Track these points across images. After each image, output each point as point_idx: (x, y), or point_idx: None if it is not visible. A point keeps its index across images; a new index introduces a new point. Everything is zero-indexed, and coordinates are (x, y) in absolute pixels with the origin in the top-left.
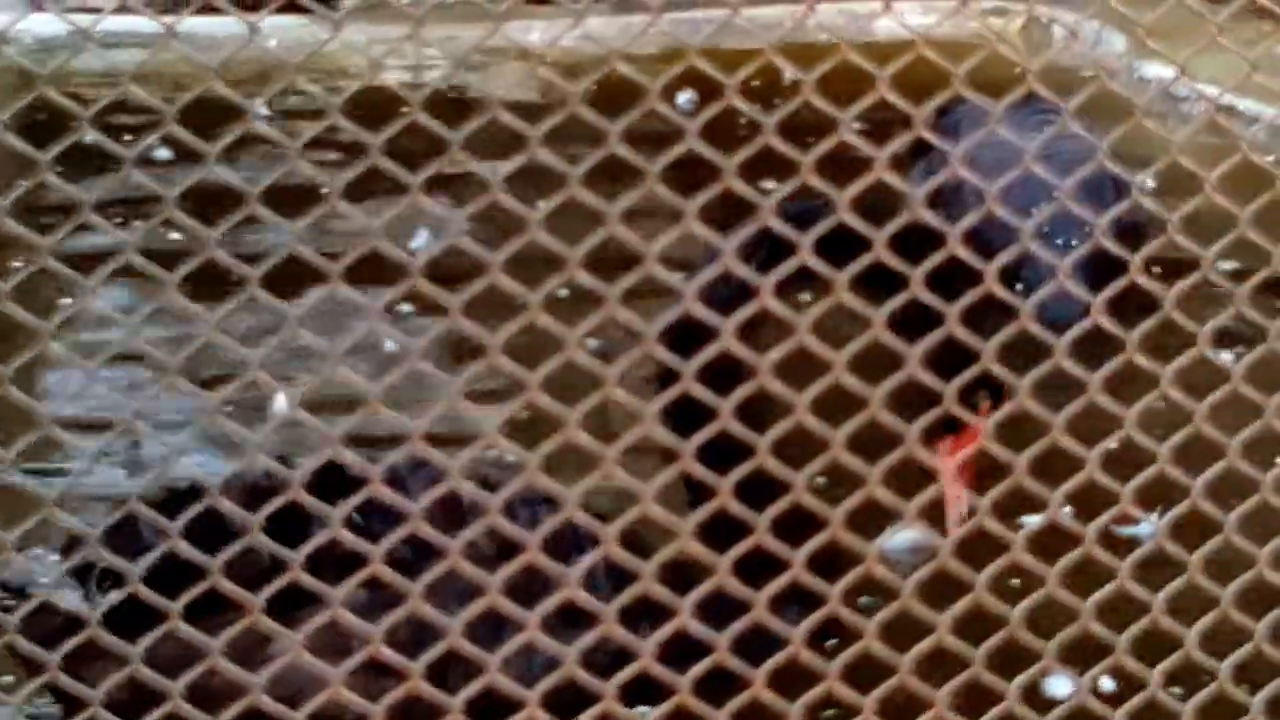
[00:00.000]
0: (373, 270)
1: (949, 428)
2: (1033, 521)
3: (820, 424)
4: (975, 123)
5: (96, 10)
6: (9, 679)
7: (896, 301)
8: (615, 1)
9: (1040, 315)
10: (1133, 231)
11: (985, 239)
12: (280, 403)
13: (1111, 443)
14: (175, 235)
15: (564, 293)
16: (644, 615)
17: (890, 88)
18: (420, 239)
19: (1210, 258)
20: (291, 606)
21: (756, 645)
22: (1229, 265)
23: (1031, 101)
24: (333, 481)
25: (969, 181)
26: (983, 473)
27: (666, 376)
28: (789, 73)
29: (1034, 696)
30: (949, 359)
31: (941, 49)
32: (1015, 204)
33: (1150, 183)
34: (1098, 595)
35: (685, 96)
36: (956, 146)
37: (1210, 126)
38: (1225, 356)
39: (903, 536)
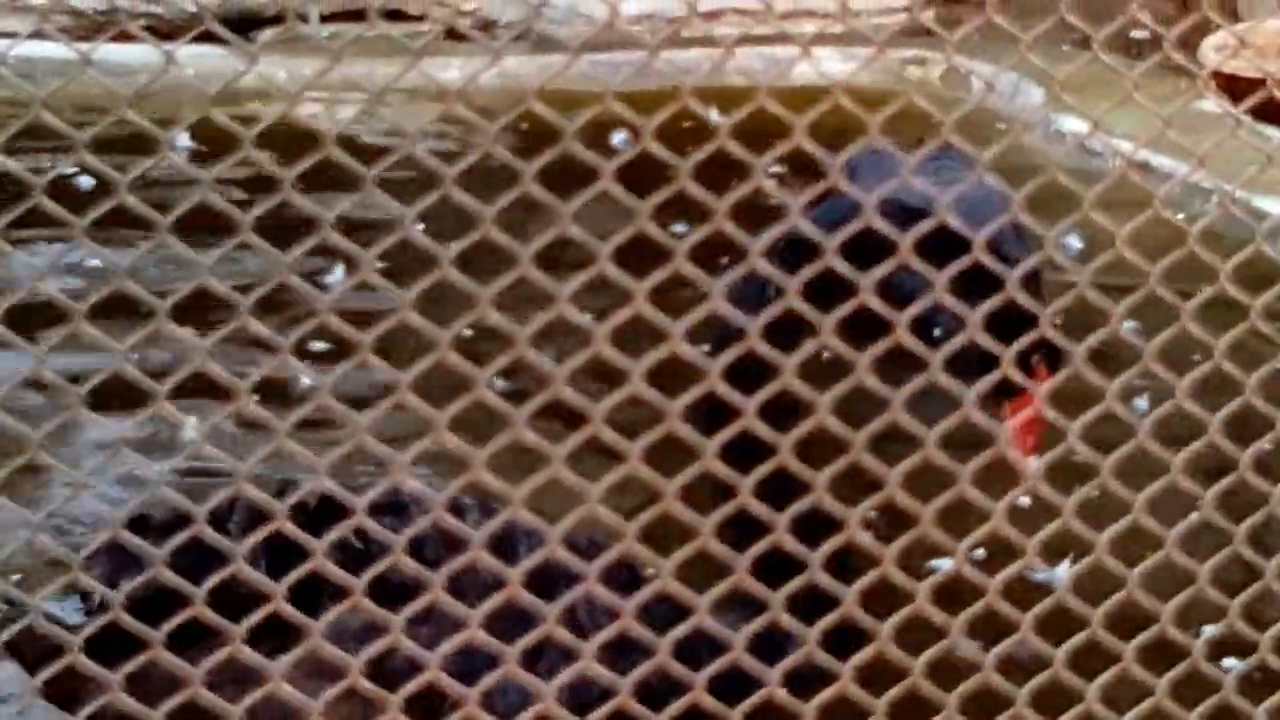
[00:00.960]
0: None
1: (1006, 393)
2: (943, 566)
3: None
4: (878, 170)
5: (11, 35)
6: None
7: (809, 348)
8: (534, 41)
9: (954, 366)
10: (1035, 284)
11: (898, 288)
12: (189, 432)
13: (1022, 495)
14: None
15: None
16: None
17: (806, 135)
18: (337, 274)
19: (1120, 313)
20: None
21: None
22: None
23: (947, 154)
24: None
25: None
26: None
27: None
28: (706, 115)
29: None
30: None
31: (861, 96)
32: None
33: (1077, 242)
34: (999, 648)
35: (620, 137)
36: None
37: (1124, 182)
38: (1139, 405)
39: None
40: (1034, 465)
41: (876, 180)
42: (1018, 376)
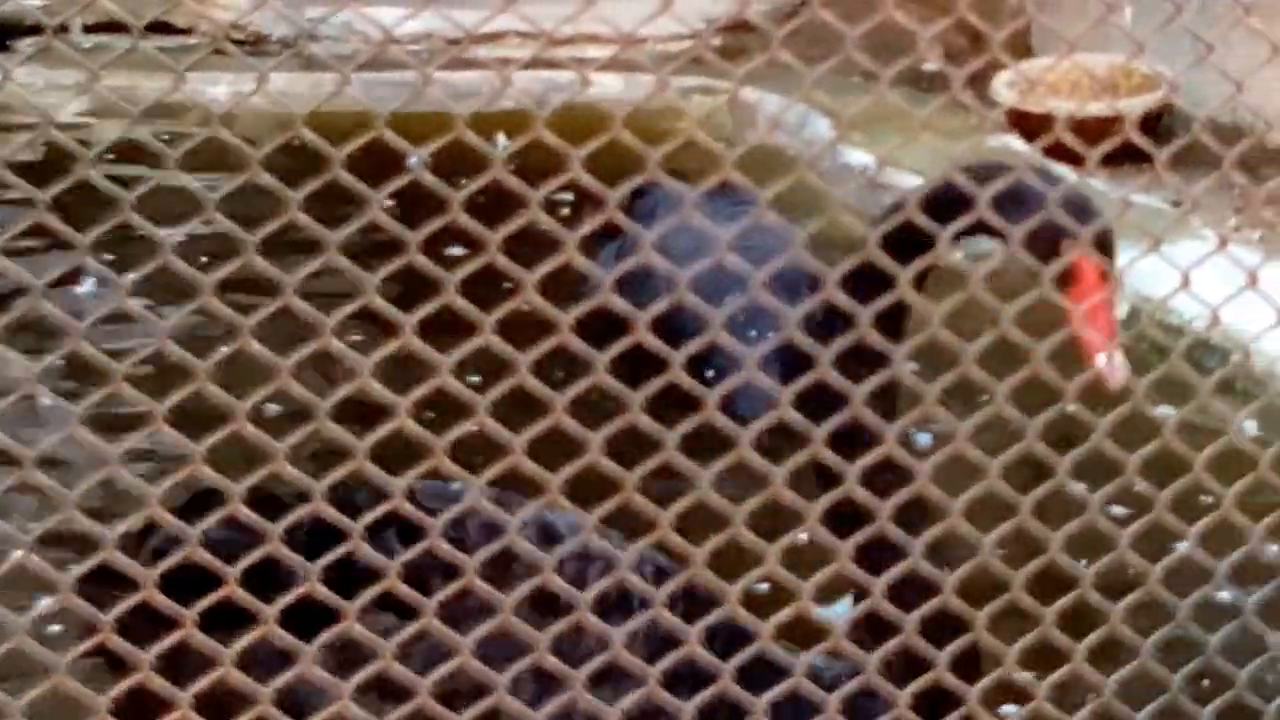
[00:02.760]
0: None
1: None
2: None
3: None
4: (672, 208)
5: None
6: None
7: (581, 385)
8: (306, 59)
9: (727, 407)
10: (827, 324)
11: (676, 326)
12: None
13: (801, 535)
14: None
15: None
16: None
17: (584, 165)
18: (87, 285)
19: (902, 355)
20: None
21: None
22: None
23: (729, 190)
24: None
25: (661, 268)
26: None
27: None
28: (480, 143)
29: None
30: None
31: (645, 124)
32: (708, 292)
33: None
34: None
35: (414, 158)
36: (651, 230)
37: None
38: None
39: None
40: (1114, 358)
41: (669, 219)
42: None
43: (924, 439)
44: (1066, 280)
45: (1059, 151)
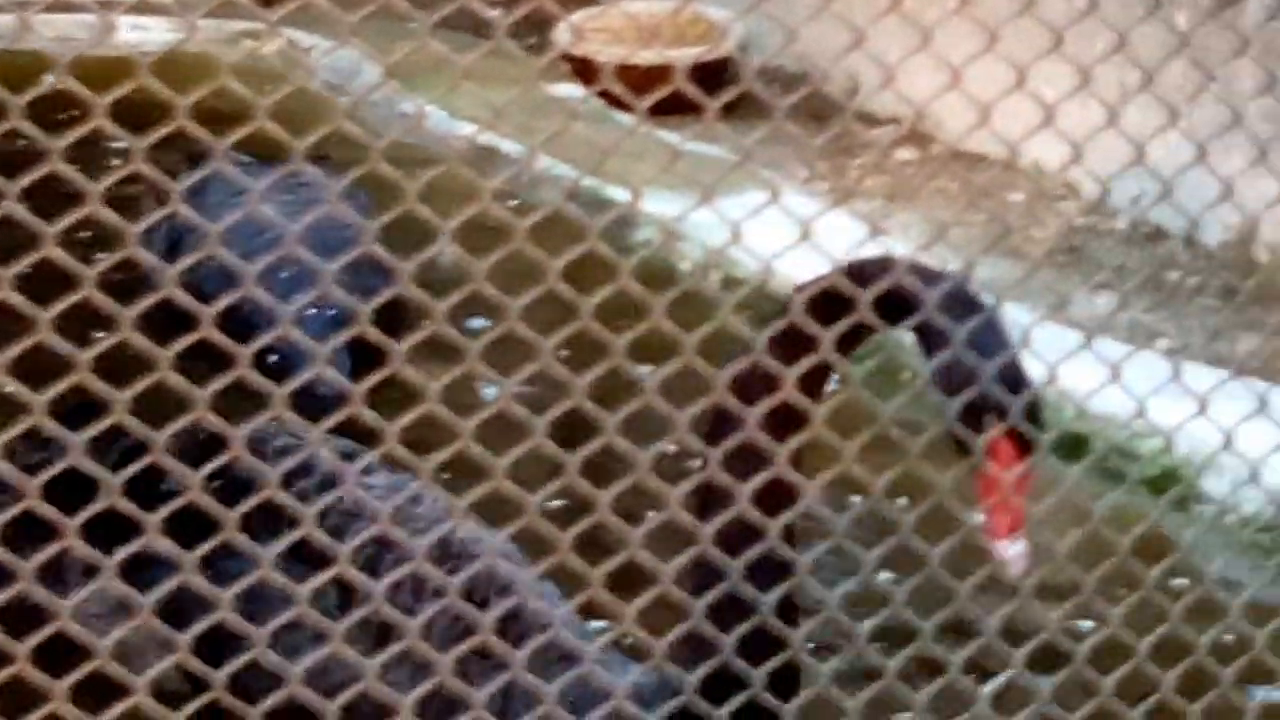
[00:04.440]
0: None
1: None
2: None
3: None
4: (226, 186)
5: None
6: None
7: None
8: None
9: (298, 400)
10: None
11: (240, 315)
12: None
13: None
14: None
15: None
16: None
17: (109, 113)
18: None
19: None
20: None
21: None
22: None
23: (301, 169)
24: None
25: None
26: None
27: None
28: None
29: None
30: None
31: (193, 67)
32: (267, 276)
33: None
34: None
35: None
36: (203, 206)
37: (473, 166)
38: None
39: None
40: (1016, 548)
41: (226, 197)
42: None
43: None
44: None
45: (613, 99)
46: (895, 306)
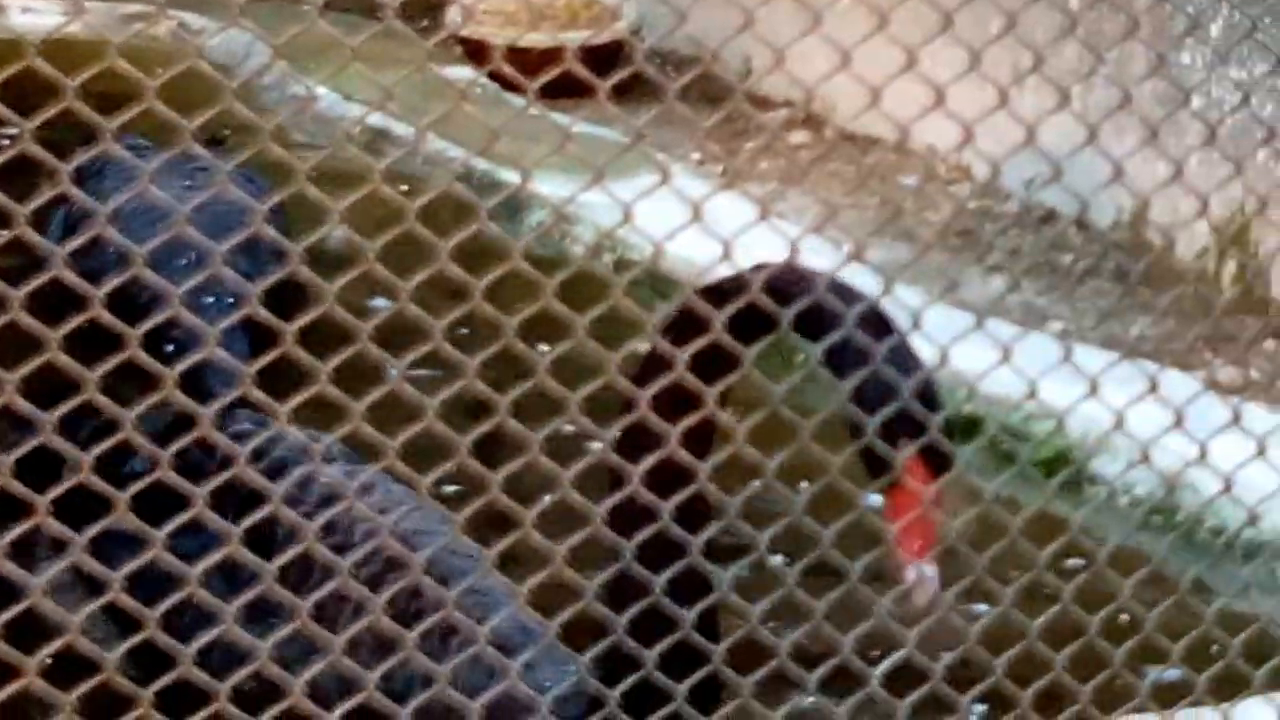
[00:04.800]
0: None
1: (876, 471)
2: None
3: None
4: (123, 171)
5: None
6: None
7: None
8: None
9: (194, 383)
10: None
11: (130, 296)
12: None
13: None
14: None
15: None
16: None
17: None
18: None
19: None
20: None
21: None
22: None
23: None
24: None
25: (115, 236)
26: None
27: None
28: None
29: None
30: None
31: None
32: (165, 262)
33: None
34: None
35: None
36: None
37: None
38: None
39: None
40: (926, 571)
41: (122, 182)
42: None
43: None
44: (884, 470)
45: (505, 81)
46: (811, 322)
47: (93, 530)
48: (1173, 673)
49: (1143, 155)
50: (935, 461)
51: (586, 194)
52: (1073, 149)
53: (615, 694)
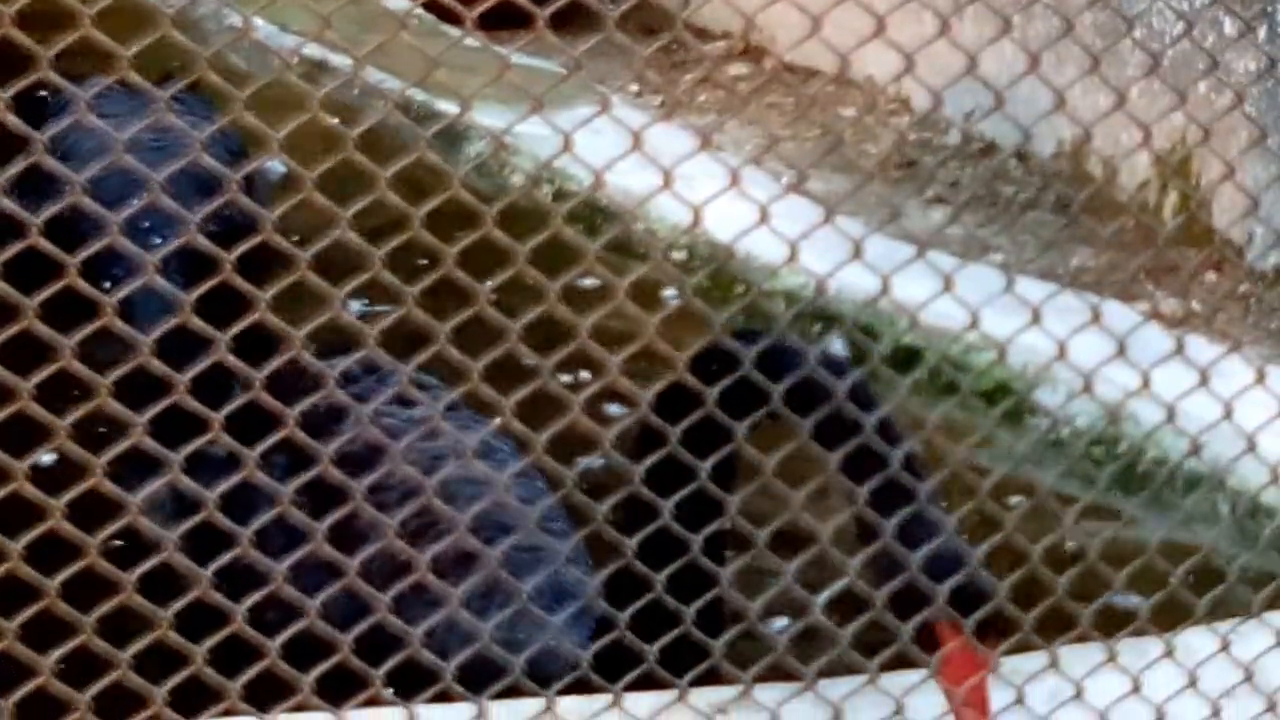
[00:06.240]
0: None
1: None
2: None
3: None
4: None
5: None
6: None
7: None
8: None
9: (125, 312)
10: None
11: (74, 229)
12: None
13: None
14: None
15: None
16: None
17: None
18: None
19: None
20: None
21: None
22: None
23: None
24: None
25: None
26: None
27: None
28: None
29: None
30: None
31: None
32: (109, 193)
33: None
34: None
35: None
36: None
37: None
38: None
39: None
40: None
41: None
42: None
43: None
44: (931, 643)
45: (444, 11)
46: (801, 396)
47: (189, 448)
48: (1117, 600)
49: (1084, 85)
50: (986, 634)
51: (525, 124)
52: (1014, 79)
53: (624, 616)
